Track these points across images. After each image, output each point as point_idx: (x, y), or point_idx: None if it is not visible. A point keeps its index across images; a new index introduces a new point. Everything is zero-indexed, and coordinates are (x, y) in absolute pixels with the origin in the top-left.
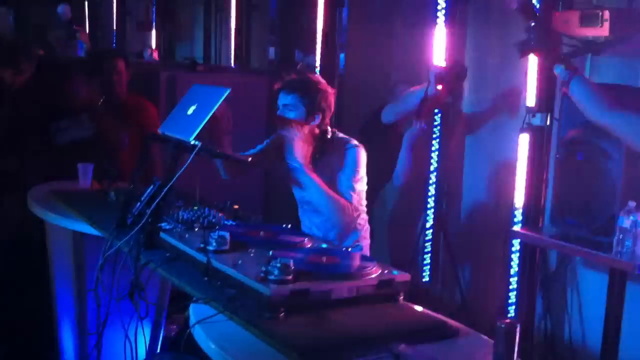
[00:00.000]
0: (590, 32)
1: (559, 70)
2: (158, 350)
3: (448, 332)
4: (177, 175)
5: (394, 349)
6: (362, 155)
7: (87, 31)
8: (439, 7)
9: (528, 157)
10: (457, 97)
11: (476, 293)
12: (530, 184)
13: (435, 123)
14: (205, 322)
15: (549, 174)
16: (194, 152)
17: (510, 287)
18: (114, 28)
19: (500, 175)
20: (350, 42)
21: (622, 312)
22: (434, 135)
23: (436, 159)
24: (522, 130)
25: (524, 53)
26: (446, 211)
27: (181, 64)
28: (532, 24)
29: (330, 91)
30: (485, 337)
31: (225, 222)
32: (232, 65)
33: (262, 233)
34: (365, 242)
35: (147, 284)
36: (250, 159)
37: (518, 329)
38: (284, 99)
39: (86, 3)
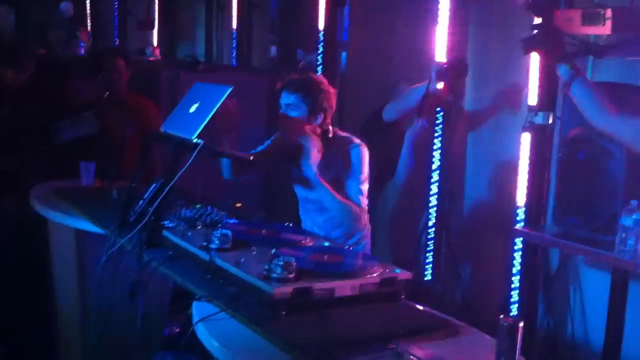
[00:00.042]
0: (592, 31)
1: (562, 71)
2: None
3: (450, 331)
4: (179, 174)
5: (396, 347)
6: (366, 155)
7: (89, 29)
8: (440, 5)
9: (530, 156)
10: (458, 95)
11: (478, 291)
12: (532, 182)
13: (437, 122)
14: (207, 320)
15: (551, 173)
16: (196, 151)
17: (512, 285)
18: (115, 27)
19: (502, 174)
20: (352, 41)
21: (625, 311)
22: (436, 134)
23: (438, 158)
24: (524, 128)
25: (527, 50)
26: (448, 210)
27: (183, 62)
28: (537, 21)
29: (332, 90)
30: (487, 336)
31: (228, 221)
32: (234, 64)
33: (264, 231)
34: (367, 241)
35: (149, 282)
36: (252, 158)
37: (520, 327)
38: (286, 99)
39: (87, 1)
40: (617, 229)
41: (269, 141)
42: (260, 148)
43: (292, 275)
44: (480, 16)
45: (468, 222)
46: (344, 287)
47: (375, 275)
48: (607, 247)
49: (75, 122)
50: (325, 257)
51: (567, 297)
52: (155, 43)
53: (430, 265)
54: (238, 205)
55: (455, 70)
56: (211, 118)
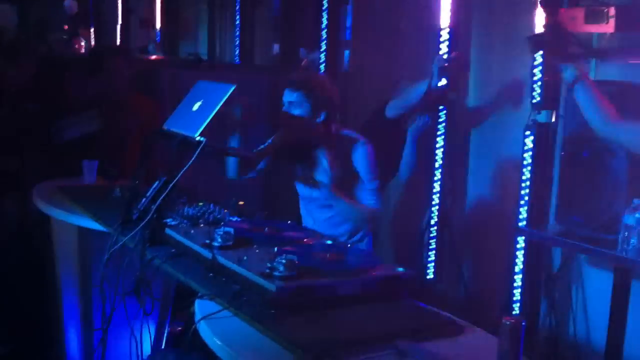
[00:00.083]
0: (595, 29)
1: (567, 72)
2: (163, 347)
3: (452, 329)
4: (182, 171)
5: (399, 345)
6: (372, 153)
7: (92, 28)
8: (442, 3)
9: (533, 154)
10: (461, 93)
11: (480, 290)
12: (535, 181)
13: (440, 120)
14: (210, 318)
15: (554, 171)
16: (199, 149)
17: (515, 284)
18: (118, 25)
19: (505, 172)
20: (355, 39)
21: (627, 310)
22: (439, 132)
23: (441, 156)
24: (527, 127)
25: (534, 48)
26: (451, 208)
27: (185, 60)
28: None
29: (335, 88)
30: (490, 335)
31: (230, 218)
32: (237, 61)
33: (267, 229)
34: (370, 237)
35: (152, 280)
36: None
37: (523, 326)
38: (289, 96)
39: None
40: (620, 227)
41: (269, 141)
42: (262, 146)
43: (294, 274)
44: (483, 13)
45: (471, 221)
46: (346, 286)
47: (377, 274)
48: (609, 246)
49: (78, 121)
50: (328, 255)
51: (569, 296)
52: (157, 41)
53: (433, 264)
54: (240, 203)
55: (456, 65)
56: (219, 116)
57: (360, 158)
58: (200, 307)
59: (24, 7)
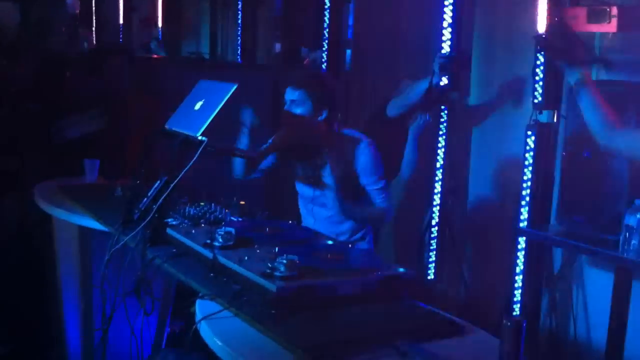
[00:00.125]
0: (597, 29)
1: (572, 76)
2: (163, 346)
3: (453, 330)
4: (184, 171)
5: (399, 346)
6: (376, 152)
7: (93, 26)
8: (446, 3)
9: (534, 154)
10: (463, 93)
11: (481, 291)
12: (537, 181)
13: (442, 119)
14: (211, 318)
15: (555, 172)
16: (200, 148)
17: (516, 284)
18: (120, 23)
19: (506, 172)
20: (357, 38)
21: (628, 311)
22: (440, 132)
23: (442, 156)
24: (528, 127)
25: (542, 48)
26: (451, 208)
27: (187, 59)
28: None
29: (337, 87)
30: (491, 335)
31: (231, 218)
32: (239, 61)
33: (267, 229)
34: (371, 235)
35: (153, 280)
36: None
37: (524, 327)
38: (291, 95)
39: None
40: (621, 228)
41: (270, 141)
42: (265, 146)
43: (295, 274)
44: (485, 12)
45: (471, 221)
46: (347, 286)
47: (378, 274)
48: (611, 246)
49: (79, 120)
50: (329, 255)
51: (570, 296)
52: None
53: (433, 264)
54: (242, 203)
55: (457, 62)
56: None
57: (366, 158)
58: (201, 307)
59: (26, 5)
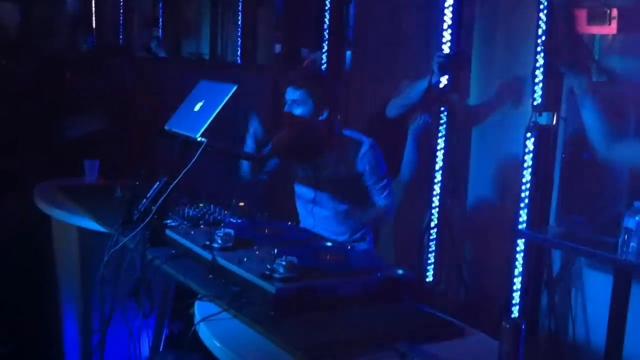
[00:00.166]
0: (597, 30)
1: (576, 83)
2: (162, 348)
3: (452, 331)
4: (183, 172)
5: (398, 348)
6: (379, 152)
7: (93, 26)
8: (446, 4)
9: (534, 156)
10: (462, 94)
11: (480, 292)
12: (536, 183)
13: (441, 121)
14: (210, 320)
15: (554, 173)
16: (200, 149)
17: (515, 286)
18: (120, 23)
19: (506, 173)
20: (357, 39)
21: (627, 313)
22: (440, 134)
23: (441, 157)
24: (528, 128)
25: (550, 54)
26: (451, 210)
27: (187, 59)
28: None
29: (338, 87)
30: (490, 337)
31: (231, 220)
32: (239, 61)
33: (267, 230)
34: (371, 235)
35: (151, 281)
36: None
37: (523, 329)
38: (292, 94)
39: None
40: (620, 230)
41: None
42: (268, 148)
43: (294, 275)
44: (485, 13)
45: (471, 222)
46: (346, 287)
47: (378, 275)
48: (610, 248)
49: (81, 120)
50: (328, 256)
51: (569, 298)
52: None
53: (433, 266)
54: (241, 204)
55: (457, 62)
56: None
57: (370, 160)
58: (200, 308)
59: (26, 5)
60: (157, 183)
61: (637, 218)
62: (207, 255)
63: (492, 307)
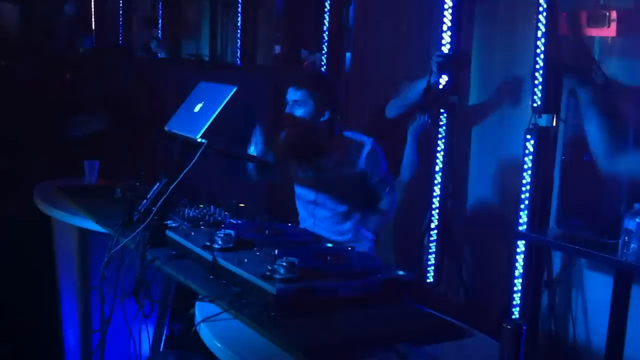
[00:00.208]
0: (597, 33)
1: (583, 96)
2: (162, 348)
3: (453, 333)
4: (183, 173)
5: (399, 348)
6: (381, 152)
7: (93, 27)
8: (446, 6)
9: (534, 158)
10: (462, 96)
11: (481, 293)
12: (536, 185)
13: (441, 122)
14: (210, 321)
15: (554, 175)
16: (200, 150)
17: (515, 288)
18: (120, 24)
19: (506, 175)
20: (357, 41)
21: (627, 314)
22: (440, 136)
23: (441, 159)
24: (528, 131)
25: (561, 69)
26: (451, 211)
27: (187, 61)
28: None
29: (339, 88)
30: (490, 338)
31: (231, 220)
32: (238, 62)
33: (267, 231)
34: (371, 237)
35: (152, 282)
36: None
37: (524, 330)
38: (293, 95)
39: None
40: (620, 232)
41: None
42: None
43: (295, 276)
44: (485, 14)
45: (471, 224)
46: (346, 288)
47: (378, 276)
48: (610, 250)
49: (84, 120)
50: (328, 257)
51: (569, 299)
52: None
53: (433, 267)
54: (241, 205)
55: (456, 62)
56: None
57: (373, 162)
58: (201, 309)
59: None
60: (158, 184)
61: (637, 219)
62: (207, 256)
63: (492, 308)
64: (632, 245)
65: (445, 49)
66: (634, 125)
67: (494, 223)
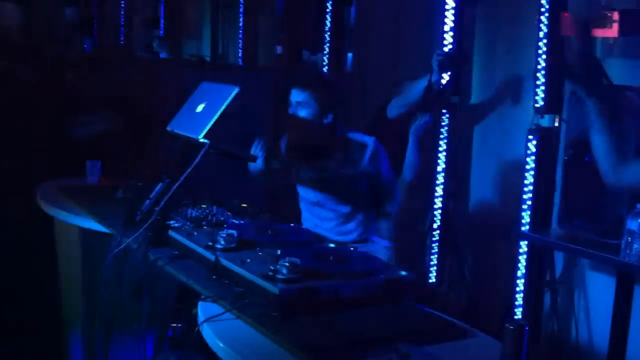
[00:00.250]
0: (599, 34)
1: (589, 105)
2: (165, 348)
3: (455, 333)
4: (186, 173)
5: (401, 349)
6: (383, 152)
7: (94, 28)
8: (447, 7)
9: (536, 159)
10: (463, 96)
11: (483, 294)
12: (538, 185)
13: (443, 123)
14: (213, 321)
15: (556, 176)
16: (202, 151)
17: (517, 288)
18: (121, 25)
19: (508, 176)
20: (358, 41)
21: (630, 315)
22: (441, 136)
23: (443, 159)
24: (530, 131)
25: (569, 77)
26: (453, 212)
27: (188, 61)
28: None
29: (342, 89)
30: (492, 339)
31: (233, 221)
32: (240, 63)
33: (270, 231)
34: (373, 237)
35: (154, 282)
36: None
37: (526, 331)
38: (296, 96)
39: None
40: (623, 232)
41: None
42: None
43: (297, 276)
44: (487, 14)
45: (473, 224)
46: (349, 288)
47: (380, 276)
48: (612, 250)
49: (85, 120)
50: (331, 257)
51: (571, 300)
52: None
53: (435, 268)
54: (244, 205)
55: (456, 59)
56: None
57: (377, 162)
58: (203, 309)
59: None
60: (160, 184)
61: (639, 220)
62: (210, 256)
63: (494, 309)
64: (635, 246)
65: (447, 50)
66: (636, 126)
67: (496, 223)
